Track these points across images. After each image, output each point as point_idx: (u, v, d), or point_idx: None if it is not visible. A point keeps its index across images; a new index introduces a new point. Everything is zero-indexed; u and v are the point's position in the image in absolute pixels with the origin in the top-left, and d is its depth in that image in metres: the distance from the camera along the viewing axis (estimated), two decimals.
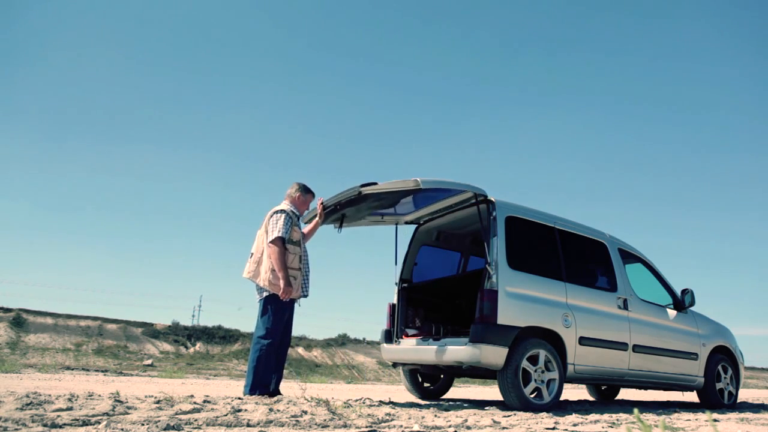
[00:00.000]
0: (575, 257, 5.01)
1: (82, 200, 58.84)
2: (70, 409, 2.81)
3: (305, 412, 3.10)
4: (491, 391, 9.41)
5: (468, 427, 2.99)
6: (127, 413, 2.77)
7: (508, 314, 4.19)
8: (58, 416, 2.52)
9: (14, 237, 52.85)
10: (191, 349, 27.62)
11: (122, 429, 2.30)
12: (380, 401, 4.30)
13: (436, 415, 3.47)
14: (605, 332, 4.84)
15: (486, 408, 4.31)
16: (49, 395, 3.32)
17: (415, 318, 5.52)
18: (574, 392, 9.60)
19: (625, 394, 8.20)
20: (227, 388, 7.61)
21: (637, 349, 5.06)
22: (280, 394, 4.20)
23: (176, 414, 2.85)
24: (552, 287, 4.60)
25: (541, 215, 4.91)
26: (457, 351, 4.29)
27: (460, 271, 6.01)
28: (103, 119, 62.01)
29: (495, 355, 4.09)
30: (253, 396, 3.98)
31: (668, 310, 5.60)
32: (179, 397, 3.62)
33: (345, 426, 2.78)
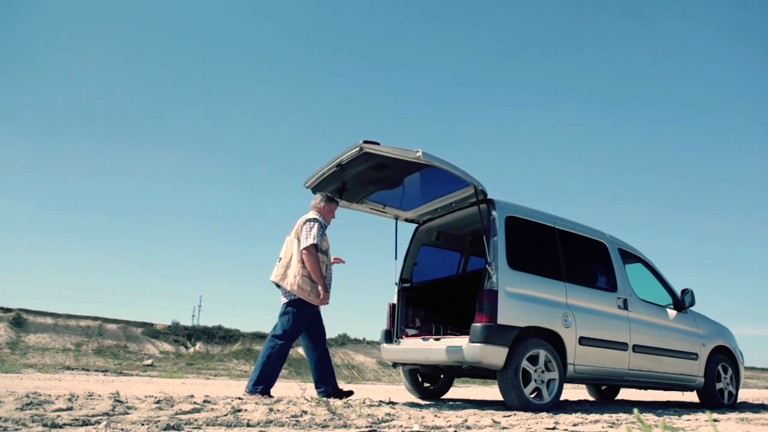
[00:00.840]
0: (575, 257, 5.01)
1: (82, 200, 58.85)
2: (70, 409, 2.81)
3: (305, 412, 3.10)
4: (491, 391, 9.41)
5: (468, 427, 2.98)
6: (127, 413, 2.77)
7: (508, 314, 4.19)
8: (58, 416, 2.52)
9: (14, 237, 52.87)
10: (191, 349, 27.62)
11: (122, 429, 2.30)
12: (380, 401, 4.30)
13: (436, 415, 3.46)
14: (605, 332, 4.84)
15: (486, 408, 4.30)
16: (49, 395, 3.32)
17: (415, 318, 5.52)
18: (574, 392, 9.60)
19: (625, 394, 8.20)
20: (227, 388, 7.61)
21: (637, 349, 5.06)
22: (350, 393, 4.33)
23: (176, 414, 2.84)
24: (552, 287, 4.59)
25: (541, 215, 4.91)
26: (457, 351, 4.29)
27: (460, 271, 6.01)
28: (103, 119, 62.03)
29: (495, 355, 4.09)
30: (254, 395, 3.98)
31: (668, 310, 5.60)
32: (179, 397, 3.62)
33: (345, 426, 2.78)
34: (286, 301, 4.29)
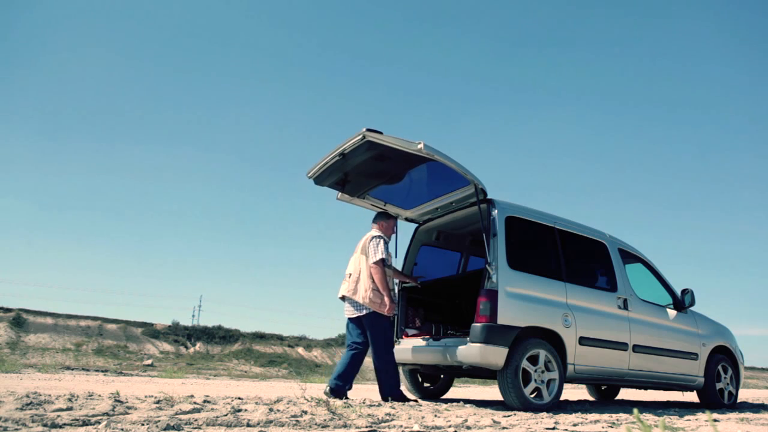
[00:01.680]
0: (575, 257, 5.01)
1: (82, 200, 58.83)
2: (70, 409, 2.81)
3: (305, 412, 3.10)
4: (491, 391, 9.41)
5: (468, 427, 2.98)
6: (127, 413, 2.77)
7: (508, 314, 4.19)
8: (58, 416, 2.52)
9: (14, 237, 52.85)
10: (191, 349, 27.62)
11: (122, 429, 2.30)
12: (380, 401, 4.30)
13: (436, 415, 3.46)
14: (605, 332, 4.84)
15: (486, 408, 4.30)
16: (49, 395, 3.32)
17: (415, 318, 5.52)
18: (574, 392, 9.60)
19: (625, 394, 8.20)
20: (227, 388, 7.61)
21: (637, 349, 5.06)
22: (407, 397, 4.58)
23: (176, 414, 2.85)
24: (552, 287, 4.60)
25: (541, 215, 4.91)
26: (457, 351, 4.29)
27: (460, 271, 6.01)
28: (103, 119, 62.04)
29: (495, 355, 4.09)
30: (399, 401, 4.30)
31: (668, 310, 5.60)
32: (179, 397, 3.62)
33: (345, 426, 2.78)
34: (359, 314, 4.53)
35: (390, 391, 4.48)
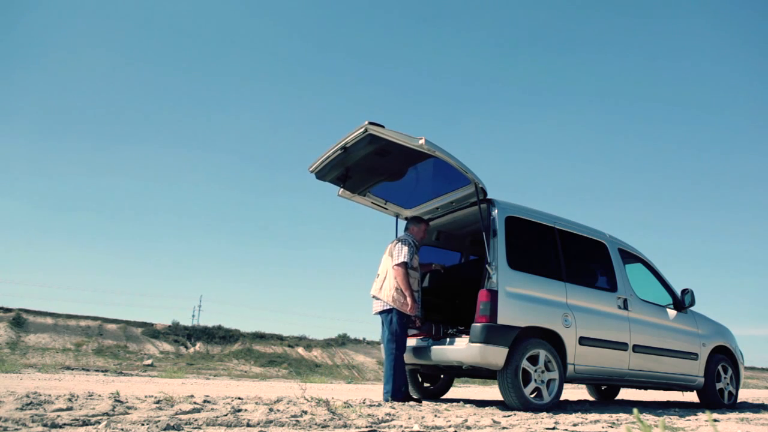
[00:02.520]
0: (575, 257, 5.01)
1: (82, 200, 58.81)
2: (70, 409, 2.82)
3: (305, 412, 3.10)
4: (491, 391, 9.41)
5: (468, 427, 2.98)
6: (127, 413, 2.77)
7: (508, 314, 4.19)
8: (58, 416, 2.52)
9: (14, 237, 52.85)
10: (191, 349, 27.62)
11: (122, 429, 2.30)
12: (380, 401, 4.30)
13: (436, 415, 3.46)
14: (605, 332, 4.84)
15: (486, 408, 4.30)
16: (49, 395, 3.32)
17: (415, 318, 5.51)
18: (574, 392, 9.60)
19: (625, 394, 8.20)
20: (227, 388, 7.62)
21: (637, 349, 5.06)
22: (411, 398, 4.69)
23: (176, 414, 2.85)
24: (552, 287, 4.59)
25: (541, 215, 4.90)
26: (457, 351, 4.29)
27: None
28: (102, 119, 62.01)
29: (495, 355, 4.09)
30: (388, 402, 4.34)
31: (668, 310, 5.60)
32: (179, 397, 3.62)
33: (345, 426, 2.78)
34: (382, 309, 4.70)
35: (396, 392, 4.51)
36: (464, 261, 6.04)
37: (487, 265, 4.30)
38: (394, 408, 3.76)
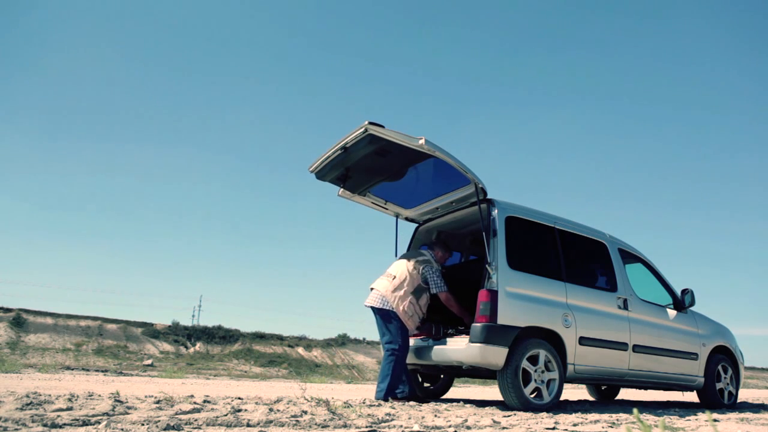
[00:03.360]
0: (575, 257, 5.00)
1: (82, 200, 58.85)
2: (70, 409, 2.81)
3: (305, 412, 3.10)
4: (491, 391, 9.41)
5: (468, 427, 2.98)
6: (127, 413, 2.77)
7: (508, 314, 4.19)
8: (58, 416, 2.51)
9: (14, 237, 52.86)
10: (191, 349, 27.61)
11: (122, 429, 2.30)
12: (380, 401, 4.30)
13: (436, 415, 3.46)
14: (605, 332, 4.84)
15: (486, 408, 4.30)
16: (49, 395, 3.32)
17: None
18: (574, 392, 9.60)
19: (625, 394, 8.20)
20: (227, 388, 7.62)
21: (637, 349, 5.05)
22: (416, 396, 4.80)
23: (176, 414, 2.84)
24: (552, 287, 4.59)
25: (541, 215, 4.90)
26: (457, 351, 4.29)
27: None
28: (102, 119, 62.05)
29: (495, 355, 4.09)
30: (388, 401, 4.33)
31: (668, 310, 5.60)
32: (179, 397, 3.62)
33: (345, 426, 2.78)
34: (384, 309, 4.66)
35: (389, 392, 4.51)
36: (464, 261, 6.04)
37: (487, 265, 4.30)
38: (394, 408, 3.76)
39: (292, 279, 62.13)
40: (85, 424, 2.43)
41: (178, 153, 64.69)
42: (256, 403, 3.53)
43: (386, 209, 5.56)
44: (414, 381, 5.68)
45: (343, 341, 32.69)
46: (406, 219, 5.67)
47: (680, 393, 8.82)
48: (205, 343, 28.40)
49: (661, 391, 9.53)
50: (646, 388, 5.78)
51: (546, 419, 3.54)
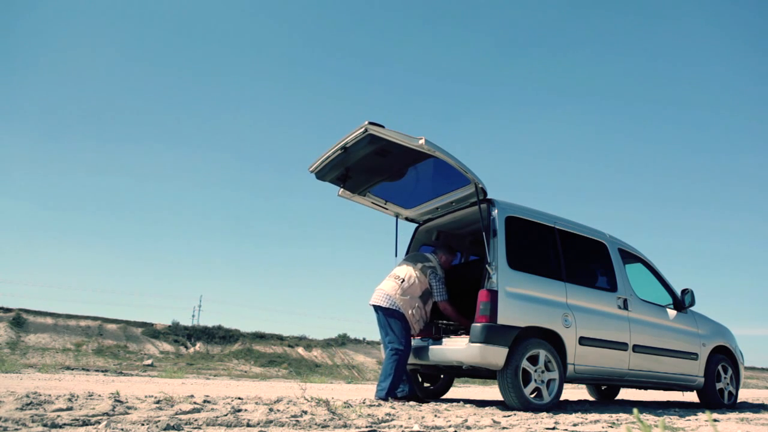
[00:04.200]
0: (575, 257, 5.00)
1: (82, 200, 58.85)
2: (70, 409, 2.81)
3: (305, 412, 3.10)
4: (491, 391, 9.41)
5: (468, 427, 2.98)
6: (127, 413, 2.77)
7: (508, 314, 4.19)
8: (58, 416, 2.51)
9: (14, 237, 52.87)
10: (191, 349, 27.61)
11: (122, 429, 2.30)
12: (380, 401, 4.30)
13: (436, 415, 3.46)
14: (605, 332, 4.84)
15: (486, 408, 4.30)
16: (49, 395, 3.32)
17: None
18: (574, 392, 9.60)
19: (625, 394, 8.20)
20: (227, 388, 7.62)
21: (637, 349, 5.05)
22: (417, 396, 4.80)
23: (176, 414, 2.84)
24: (552, 287, 4.59)
25: (541, 215, 4.90)
26: (457, 351, 4.29)
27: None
28: (102, 119, 62.06)
29: (495, 355, 4.09)
30: (388, 401, 4.33)
31: (668, 310, 5.60)
32: (179, 397, 3.62)
33: (345, 426, 2.78)
34: (391, 308, 4.66)
35: (390, 391, 4.52)
36: (464, 261, 6.04)
37: (487, 265, 4.30)
38: (394, 408, 3.76)
39: (292, 279, 62.16)
40: (85, 424, 2.43)
41: (178, 153, 64.73)
42: (256, 403, 3.53)
43: (386, 209, 5.56)
44: (414, 381, 5.68)
45: (343, 341, 32.69)
46: (406, 219, 5.67)
47: (680, 393, 8.82)
48: (205, 343, 28.40)
49: (661, 391, 9.53)
50: (646, 388, 5.77)
51: (546, 419, 3.54)
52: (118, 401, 3.15)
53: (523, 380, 4.20)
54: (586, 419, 3.67)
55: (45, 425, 2.32)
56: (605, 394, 7.31)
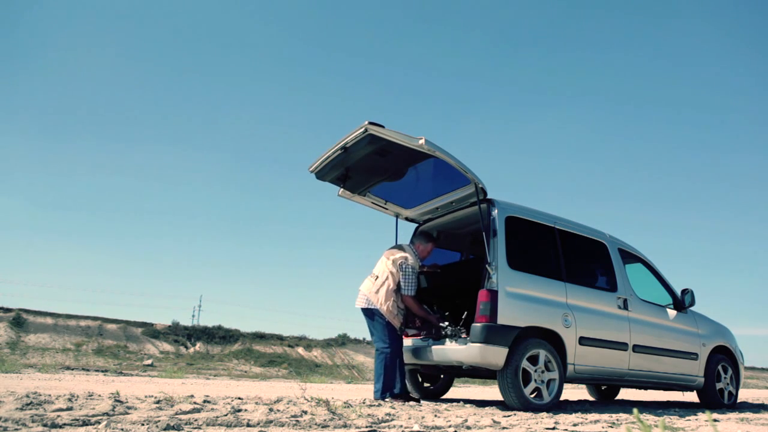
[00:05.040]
0: (575, 257, 5.00)
1: (82, 200, 58.88)
2: (70, 409, 2.81)
3: (305, 412, 3.10)
4: (491, 391, 9.41)
5: (468, 427, 2.98)
6: (127, 413, 2.77)
7: (508, 314, 4.19)
8: (58, 416, 2.51)
9: (14, 237, 52.87)
10: (191, 349, 27.62)
11: (122, 429, 2.30)
12: (380, 401, 4.30)
13: (436, 415, 3.46)
14: (605, 332, 4.84)
15: (486, 408, 4.30)
16: (49, 395, 3.32)
17: (415, 318, 5.51)
18: (574, 392, 9.60)
19: (625, 394, 8.19)
20: (227, 388, 7.61)
21: (637, 349, 5.05)
22: (408, 396, 4.74)
23: (176, 414, 2.84)
24: (552, 287, 4.59)
25: (541, 215, 4.90)
26: (457, 351, 4.29)
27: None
28: (103, 119, 62.07)
29: (495, 355, 4.09)
30: (387, 401, 4.37)
31: (668, 310, 5.60)
32: (179, 397, 3.62)
33: (345, 426, 2.78)
34: (370, 308, 4.70)
35: (385, 390, 4.53)
36: (464, 260, 6.04)
37: (487, 265, 4.30)
38: (394, 408, 3.76)
39: (292, 279, 62.16)
40: (85, 424, 2.43)
41: (178, 153, 64.73)
42: (256, 403, 3.53)
43: (386, 209, 5.56)
44: (414, 381, 5.68)
45: (343, 341, 32.70)
46: (406, 219, 5.67)
47: (680, 393, 8.81)
48: (205, 343, 28.40)
49: (661, 391, 9.52)
50: (646, 388, 5.77)
51: (546, 419, 3.54)
52: (118, 401, 3.15)
53: (523, 380, 4.20)
54: (586, 419, 3.67)
55: (45, 425, 2.32)
56: (605, 394, 7.31)
